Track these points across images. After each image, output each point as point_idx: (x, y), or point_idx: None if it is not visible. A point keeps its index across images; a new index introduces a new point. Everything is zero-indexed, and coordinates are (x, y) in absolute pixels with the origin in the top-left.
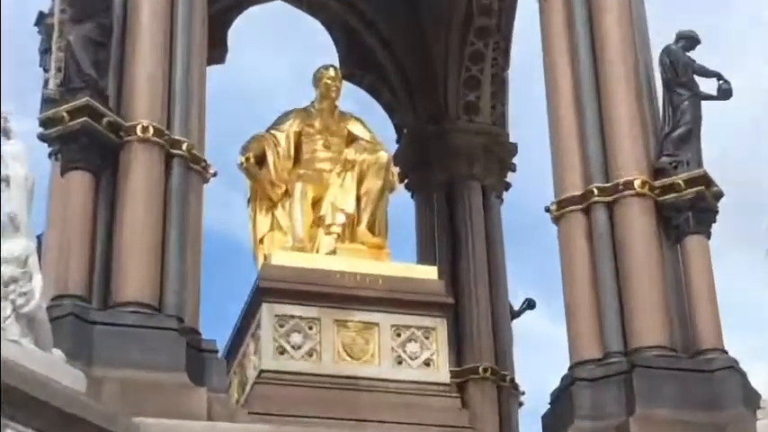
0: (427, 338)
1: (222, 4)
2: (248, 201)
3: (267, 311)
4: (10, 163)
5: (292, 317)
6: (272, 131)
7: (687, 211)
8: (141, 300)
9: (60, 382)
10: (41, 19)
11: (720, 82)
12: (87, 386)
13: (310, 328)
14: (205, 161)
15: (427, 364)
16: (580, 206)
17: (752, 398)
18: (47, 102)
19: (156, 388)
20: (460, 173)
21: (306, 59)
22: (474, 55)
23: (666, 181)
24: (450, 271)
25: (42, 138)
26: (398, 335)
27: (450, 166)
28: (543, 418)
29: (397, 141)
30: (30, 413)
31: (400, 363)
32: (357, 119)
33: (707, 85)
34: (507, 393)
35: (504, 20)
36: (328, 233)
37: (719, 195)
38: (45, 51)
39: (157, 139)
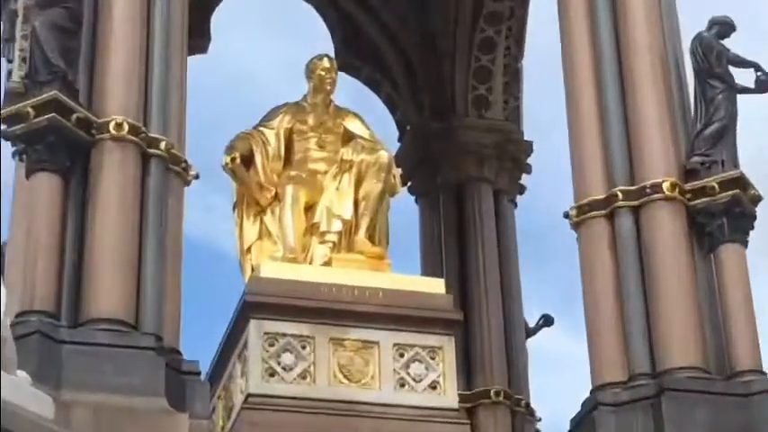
0: (433, 359)
1: None
2: (234, 206)
3: (255, 329)
4: None
5: (283, 335)
6: (261, 129)
7: (721, 216)
8: (115, 316)
9: (26, 408)
10: (4, 4)
11: (758, 73)
12: (55, 412)
13: (303, 348)
14: (186, 161)
15: (433, 387)
16: (603, 211)
17: None
18: (10, 96)
19: (132, 414)
20: (469, 174)
21: (297, 49)
22: (484, 43)
23: (698, 183)
24: (459, 284)
25: (5, 136)
26: (401, 355)
27: (457, 167)
28: None
29: (399, 140)
30: None
31: (403, 386)
32: (355, 114)
33: (743, 77)
34: (522, 419)
35: (518, 4)
36: (323, 242)
37: (758, 199)
38: (8, 40)
39: (133, 138)
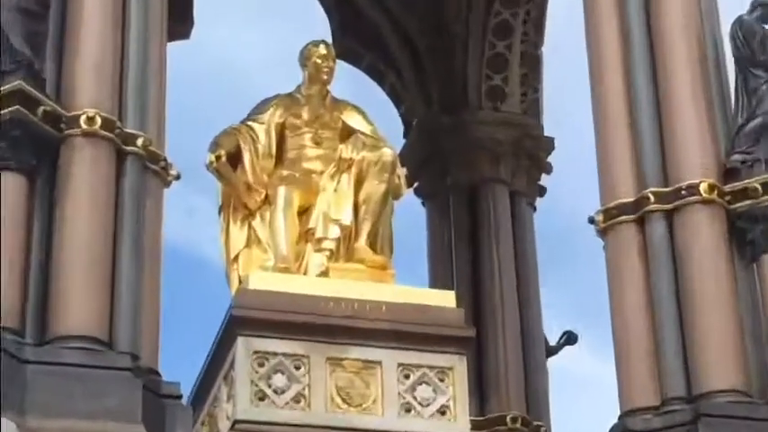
0: (442, 381)
1: None
2: (219, 209)
3: (243, 347)
4: None
5: (274, 354)
6: (249, 123)
7: (764, 221)
8: (86, 332)
9: None
10: None
11: None
12: None
13: (297, 368)
14: (165, 160)
15: (442, 412)
16: (632, 216)
17: None
18: None
19: None
20: (483, 174)
21: (291, 34)
22: (500, 27)
23: (739, 185)
24: (471, 297)
25: None
26: (406, 376)
27: (470, 166)
28: None
29: (405, 136)
30: None
31: (409, 411)
32: (355, 107)
33: None
34: None
35: None
36: (319, 250)
37: None
38: None
39: (106, 133)
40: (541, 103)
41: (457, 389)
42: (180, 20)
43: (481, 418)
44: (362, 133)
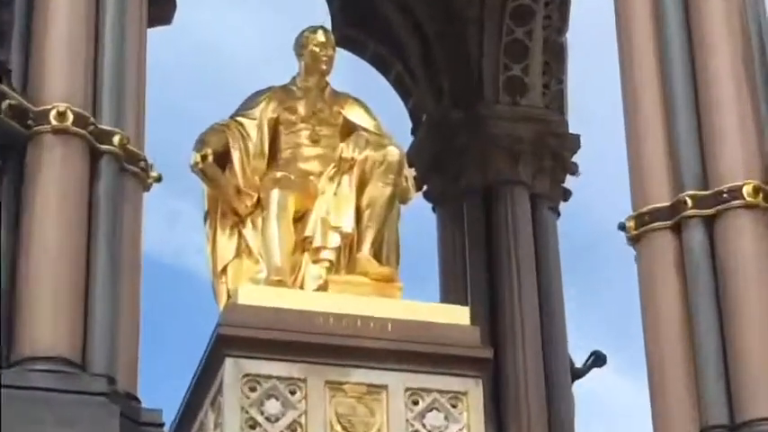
0: (455, 407)
1: None
2: (205, 215)
3: (232, 370)
4: None
5: (267, 377)
6: (239, 119)
7: None
8: (57, 353)
9: None
10: None
11: None
12: None
13: (292, 393)
14: (145, 160)
15: None
16: (668, 222)
17: None
18: None
19: None
20: (500, 175)
21: (285, 19)
22: (519, 11)
23: None
24: (487, 312)
25: None
26: (415, 402)
27: (485, 166)
28: None
29: (413, 133)
30: None
31: None
32: (357, 101)
33: None
34: None
35: None
36: (317, 261)
37: None
38: None
39: (79, 130)
40: (566, 96)
41: (472, 416)
42: (160, 2)
43: None
44: (365, 130)
